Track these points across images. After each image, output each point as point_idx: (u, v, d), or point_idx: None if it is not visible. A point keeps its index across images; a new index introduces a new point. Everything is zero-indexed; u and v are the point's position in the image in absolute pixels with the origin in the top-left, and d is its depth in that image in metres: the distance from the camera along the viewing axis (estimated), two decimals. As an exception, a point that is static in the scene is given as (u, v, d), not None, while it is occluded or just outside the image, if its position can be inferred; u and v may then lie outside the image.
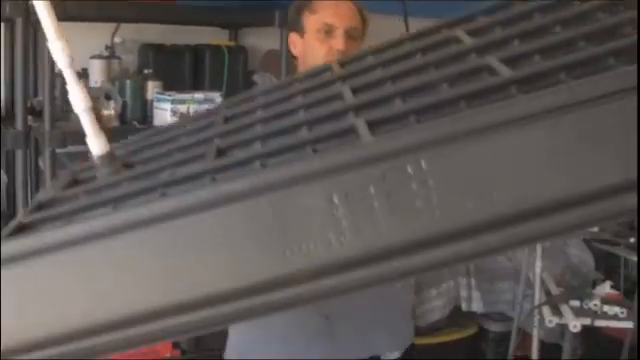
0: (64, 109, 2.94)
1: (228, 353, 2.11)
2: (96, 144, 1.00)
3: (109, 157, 1.01)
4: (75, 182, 1.08)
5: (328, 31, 2.01)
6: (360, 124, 0.80)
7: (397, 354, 3.41)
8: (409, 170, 0.72)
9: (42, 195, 1.01)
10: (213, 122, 1.13)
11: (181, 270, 0.75)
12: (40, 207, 0.96)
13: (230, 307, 0.75)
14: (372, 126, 0.79)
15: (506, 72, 0.81)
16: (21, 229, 0.87)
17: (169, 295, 0.75)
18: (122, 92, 3.03)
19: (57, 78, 2.93)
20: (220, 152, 0.91)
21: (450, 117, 0.74)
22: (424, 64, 0.99)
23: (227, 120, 1.11)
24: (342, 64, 1.21)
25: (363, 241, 0.72)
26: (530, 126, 0.70)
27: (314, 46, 2.04)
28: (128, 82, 3.05)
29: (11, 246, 0.81)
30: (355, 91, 0.97)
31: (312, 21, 2.05)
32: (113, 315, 0.77)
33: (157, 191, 0.83)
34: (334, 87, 1.06)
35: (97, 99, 2.96)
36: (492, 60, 0.87)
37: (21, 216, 0.91)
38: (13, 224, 0.89)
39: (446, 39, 1.03)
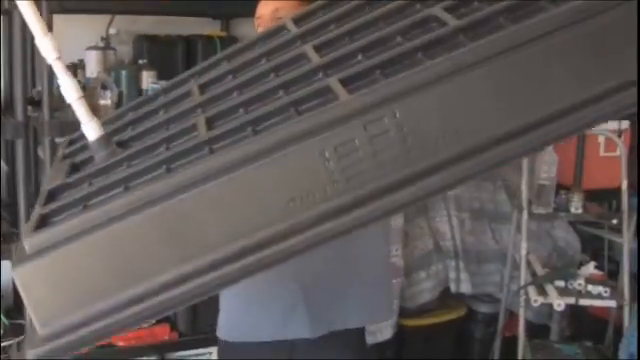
0: (62, 99, 3.01)
1: (219, 331, 2.21)
2: (90, 129, 1.08)
3: (105, 140, 1.09)
4: (75, 168, 1.15)
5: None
6: (334, 83, 0.91)
7: (388, 334, 3.52)
8: (386, 120, 0.84)
9: (49, 184, 1.08)
10: (188, 92, 1.21)
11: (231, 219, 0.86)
12: (51, 196, 1.04)
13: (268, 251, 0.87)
14: (344, 84, 0.91)
15: (452, 21, 0.93)
16: (43, 220, 0.95)
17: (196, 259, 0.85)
18: (118, 82, 3.09)
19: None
20: (209, 122, 1.00)
21: (415, 68, 0.87)
22: (374, 19, 1.09)
23: (202, 89, 1.19)
24: (295, 21, 1.29)
25: (354, 186, 0.85)
26: (479, 69, 0.85)
27: None
28: (123, 72, 3.12)
29: (43, 237, 0.89)
30: (317, 49, 1.07)
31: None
32: (140, 288, 0.86)
33: (161, 167, 0.92)
34: (296, 47, 1.15)
35: (94, 89, 3.03)
36: (438, 10, 0.98)
37: (39, 208, 0.99)
38: (35, 217, 0.96)
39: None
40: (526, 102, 0.86)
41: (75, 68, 3.20)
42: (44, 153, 2.83)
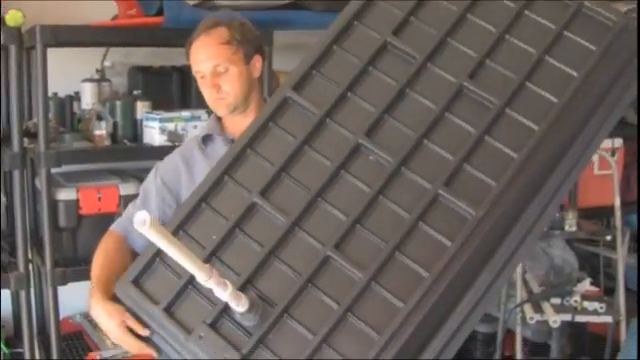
0: (58, 130, 3.07)
1: None
2: (238, 303, 1.37)
3: (254, 308, 1.40)
4: None
5: (202, 77, 2.09)
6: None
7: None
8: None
9: None
10: None
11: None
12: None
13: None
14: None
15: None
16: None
17: None
18: (113, 113, 3.15)
19: (50, 101, 3.07)
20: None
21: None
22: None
23: None
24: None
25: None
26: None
27: (203, 92, 2.12)
28: (118, 103, 3.17)
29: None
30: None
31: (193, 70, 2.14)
32: None
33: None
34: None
35: (89, 120, 3.09)
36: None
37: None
38: None
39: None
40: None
41: (71, 100, 3.26)
42: (41, 183, 2.87)
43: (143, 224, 1.13)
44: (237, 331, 1.43)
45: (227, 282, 1.33)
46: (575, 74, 1.57)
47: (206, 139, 2.15)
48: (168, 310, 1.49)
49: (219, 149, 2.10)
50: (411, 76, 1.60)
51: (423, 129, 1.53)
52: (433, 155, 1.53)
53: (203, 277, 1.28)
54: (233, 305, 1.38)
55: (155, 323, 1.51)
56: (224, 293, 1.33)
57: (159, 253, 1.52)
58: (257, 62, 2.11)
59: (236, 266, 1.49)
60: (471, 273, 1.45)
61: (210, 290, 1.35)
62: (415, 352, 1.41)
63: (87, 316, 3.41)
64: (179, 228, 1.55)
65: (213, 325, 1.45)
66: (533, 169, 1.50)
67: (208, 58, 2.05)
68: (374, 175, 1.51)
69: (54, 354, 2.92)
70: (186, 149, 2.18)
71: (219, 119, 2.19)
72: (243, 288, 1.44)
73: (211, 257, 1.50)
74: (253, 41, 2.12)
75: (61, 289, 2.92)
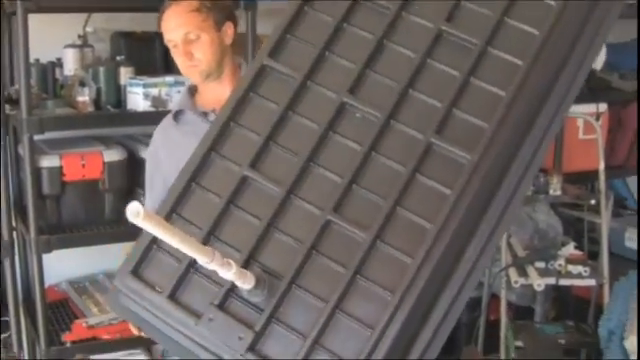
0: (41, 97, 3.05)
1: None
2: (244, 281, 1.36)
3: (260, 284, 1.39)
4: None
5: (174, 45, 2.11)
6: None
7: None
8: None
9: None
10: None
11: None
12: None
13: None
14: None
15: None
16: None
17: None
18: (96, 79, 3.12)
19: (32, 67, 3.04)
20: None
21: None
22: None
23: None
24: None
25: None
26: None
27: (176, 61, 2.14)
28: (101, 69, 3.15)
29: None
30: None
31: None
32: None
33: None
34: None
35: (72, 86, 3.06)
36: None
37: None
38: None
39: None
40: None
41: (53, 67, 3.23)
42: (24, 150, 2.86)
43: (137, 215, 1.11)
44: (247, 309, 1.41)
45: (230, 261, 1.32)
46: (553, 3, 1.56)
47: (178, 115, 2.18)
48: (172, 297, 1.46)
49: (193, 123, 2.13)
50: (387, 27, 1.56)
51: (406, 79, 1.51)
52: (420, 104, 1.51)
53: (205, 260, 1.27)
54: (239, 283, 1.36)
55: (161, 312, 1.47)
56: (229, 273, 1.31)
57: (155, 240, 1.49)
58: (229, 29, 2.12)
59: (236, 243, 1.47)
60: (474, 219, 1.43)
61: (214, 271, 1.34)
62: (428, 306, 1.40)
63: (72, 283, 3.41)
64: (172, 212, 1.52)
65: (222, 306, 1.42)
66: (523, 105, 1.47)
67: (178, 26, 2.07)
68: (363, 132, 1.49)
69: (40, 322, 2.92)
70: (162, 129, 2.23)
71: (191, 93, 2.21)
72: (246, 264, 1.42)
73: (209, 237, 1.48)
74: (224, 8, 2.14)
75: (46, 257, 2.91)
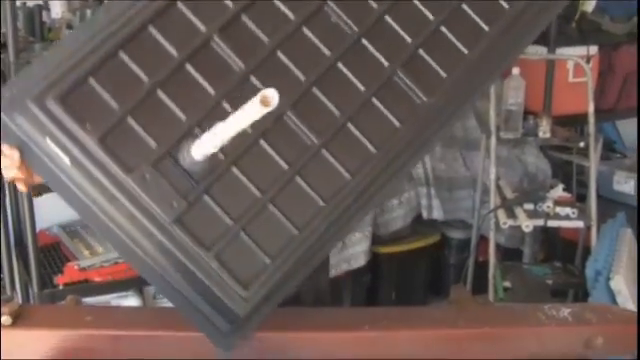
0: (28, 40, 3.03)
1: None
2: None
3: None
4: None
5: None
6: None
7: (362, 261, 3.60)
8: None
9: None
10: None
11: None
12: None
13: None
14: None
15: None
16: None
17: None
18: (83, 21, 3.10)
19: (19, 11, 3.01)
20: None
21: None
22: None
23: None
24: None
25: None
26: None
27: None
28: (88, 12, 3.12)
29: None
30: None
31: None
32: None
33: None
34: None
35: (59, 30, 3.05)
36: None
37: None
38: None
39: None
40: None
41: (40, 10, 3.20)
42: (12, 94, 2.84)
43: None
44: (183, 178, 1.34)
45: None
46: None
47: None
48: (103, 140, 1.32)
49: None
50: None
51: (386, 6, 1.54)
52: (393, 34, 1.53)
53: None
54: (191, 150, 1.31)
55: (80, 151, 1.32)
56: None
57: (95, 71, 1.34)
58: None
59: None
60: (412, 152, 1.51)
61: (155, 122, 1.30)
62: (349, 218, 1.45)
63: (64, 227, 3.43)
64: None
65: (156, 166, 1.34)
66: (477, 67, 1.55)
67: None
68: (335, 40, 1.50)
69: (32, 266, 2.94)
70: None
71: None
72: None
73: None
74: None
75: (36, 201, 2.91)
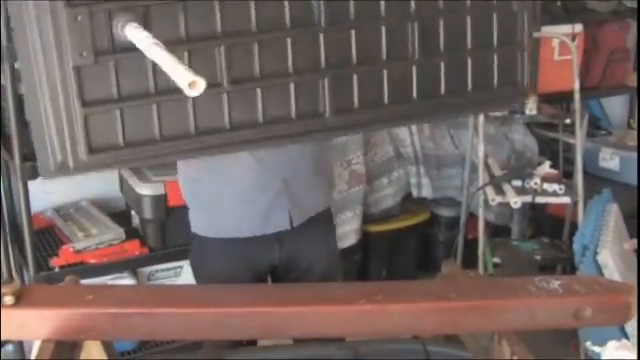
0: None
1: (196, 228, 2.40)
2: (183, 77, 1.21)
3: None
4: None
5: None
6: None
7: (353, 240, 3.64)
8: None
9: None
10: None
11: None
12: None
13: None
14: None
15: None
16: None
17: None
18: None
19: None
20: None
21: None
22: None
23: None
24: None
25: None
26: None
27: None
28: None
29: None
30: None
31: None
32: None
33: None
34: None
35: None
36: None
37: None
38: None
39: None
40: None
41: None
42: (5, 78, 2.85)
43: None
44: (105, 39, 1.32)
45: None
46: None
47: None
48: None
49: None
50: None
51: None
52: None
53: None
54: (126, 27, 1.29)
55: None
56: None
57: None
58: None
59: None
60: None
61: None
62: None
63: (58, 210, 3.45)
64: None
65: (93, 15, 1.31)
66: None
67: None
68: None
69: (28, 249, 2.96)
70: None
71: None
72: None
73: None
74: None
75: (31, 184, 2.93)
